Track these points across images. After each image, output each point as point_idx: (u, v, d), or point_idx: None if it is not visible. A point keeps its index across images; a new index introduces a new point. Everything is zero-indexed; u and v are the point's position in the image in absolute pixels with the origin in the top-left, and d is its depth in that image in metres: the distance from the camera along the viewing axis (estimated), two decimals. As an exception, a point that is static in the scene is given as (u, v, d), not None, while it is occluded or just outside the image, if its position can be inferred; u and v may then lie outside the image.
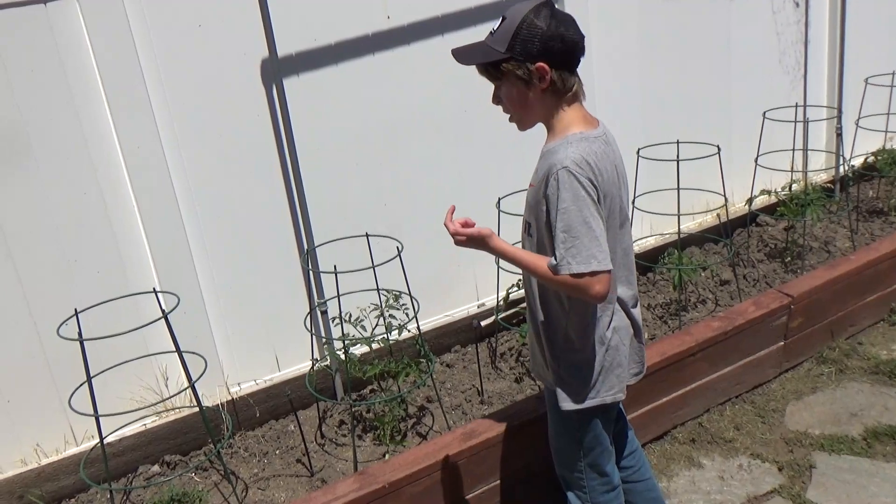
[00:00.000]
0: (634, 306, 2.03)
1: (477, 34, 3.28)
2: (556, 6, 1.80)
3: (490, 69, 1.82)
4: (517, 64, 1.76)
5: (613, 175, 1.83)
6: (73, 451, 2.82)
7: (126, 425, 2.82)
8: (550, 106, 1.82)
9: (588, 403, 1.96)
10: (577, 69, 1.82)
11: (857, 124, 4.47)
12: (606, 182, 1.78)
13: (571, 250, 1.71)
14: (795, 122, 4.08)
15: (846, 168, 4.55)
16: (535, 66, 1.75)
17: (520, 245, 2.00)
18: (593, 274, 1.71)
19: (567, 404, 1.97)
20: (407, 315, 3.00)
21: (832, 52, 4.61)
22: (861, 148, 4.65)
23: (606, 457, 2.09)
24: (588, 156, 1.74)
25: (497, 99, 1.88)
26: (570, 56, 1.78)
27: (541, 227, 1.84)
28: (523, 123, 1.90)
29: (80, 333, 2.26)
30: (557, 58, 1.76)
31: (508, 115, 1.90)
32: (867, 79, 4.45)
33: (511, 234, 3.31)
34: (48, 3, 2.50)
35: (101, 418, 2.36)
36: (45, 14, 2.50)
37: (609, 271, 1.73)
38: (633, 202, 3.57)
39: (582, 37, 1.78)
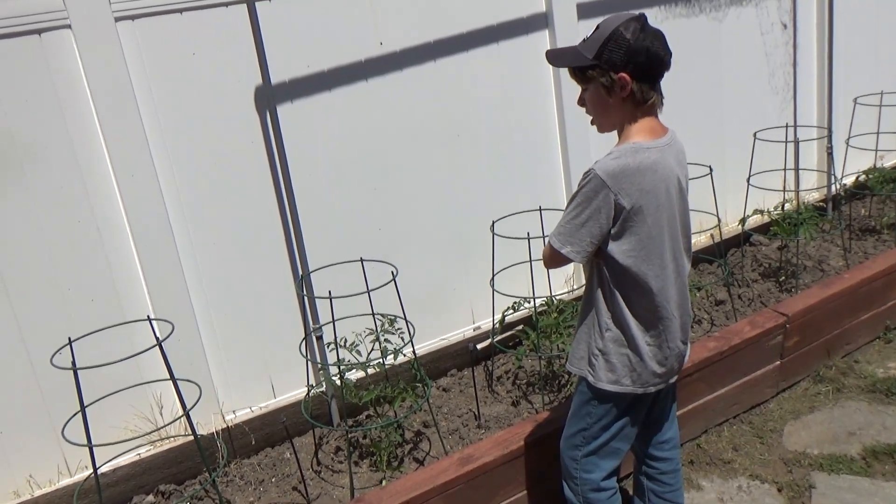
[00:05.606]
0: (683, 341, 2.11)
1: (469, 59, 3.34)
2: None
3: (578, 73, 1.96)
4: (602, 71, 1.89)
5: (659, 185, 1.91)
6: (66, 481, 2.79)
7: (120, 455, 2.79)
8: (627, 114, 1.94)
9: (602, 386, 2.08)
10: (660, 82, 1.93)
11: (847, 143, 4.51)
12: (643, 192, 1.87)
13: (559, 228, 1.96)
14: (786, 141, 4.11)
15: (838, 187, 4.58)
16: (617, 76, 1.87)
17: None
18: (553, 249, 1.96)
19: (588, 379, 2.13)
20: (402, 339, 2.99)
21: (821, 73, 4.66)
22: (852, 167, 4.68)
23: (610, 455, 2.18)
24: (625, 169, 1.85)
25: (582, 101, 2.00)
26: (652, 70, 1.89)
27: None
28: (602, 127, 2.02)
29: (73, 362, 2.24)
30: (640, 70, 1.87)
31: (591, 118, 2.02)
32: (856, 98, 4.50)
33: (506, 256, 3.34)
34: (42, 33, 2.52)
35: (94, 448, 2.33)
36: (39, 44, 2.52)
37: (566, 257, 1.95)
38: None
39: (669, 53, 1.89)
